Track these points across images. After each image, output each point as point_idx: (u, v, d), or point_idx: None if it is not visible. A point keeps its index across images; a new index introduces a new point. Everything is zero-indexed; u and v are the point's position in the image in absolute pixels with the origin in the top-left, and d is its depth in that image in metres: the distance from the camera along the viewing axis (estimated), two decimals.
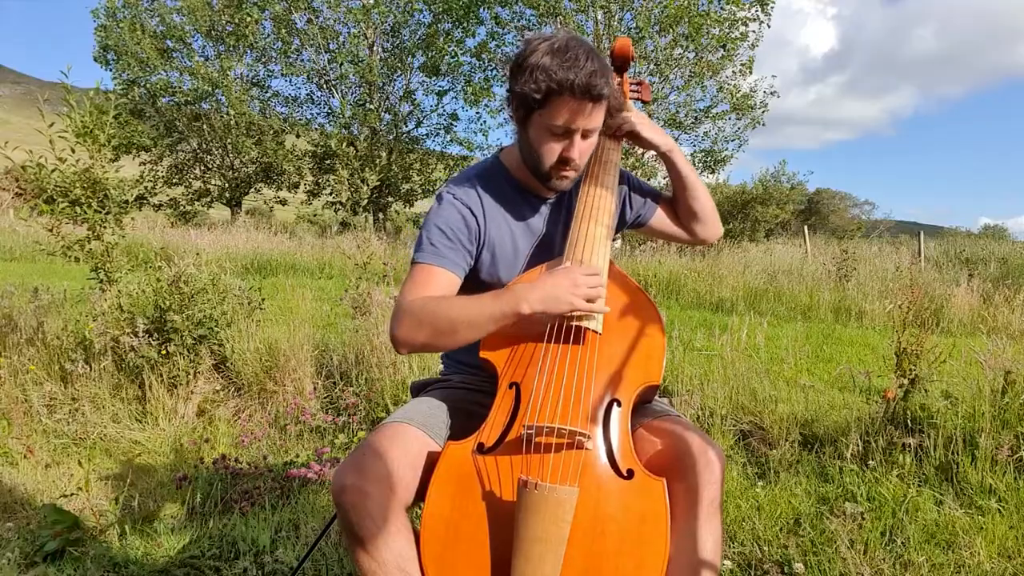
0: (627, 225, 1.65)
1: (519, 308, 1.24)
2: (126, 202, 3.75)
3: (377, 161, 19.66)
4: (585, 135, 1.34)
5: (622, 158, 1.57)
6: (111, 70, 19.27)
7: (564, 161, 1.35)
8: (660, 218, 1.64)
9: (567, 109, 1.29)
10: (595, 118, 1.33)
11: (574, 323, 1.30)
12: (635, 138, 1.50)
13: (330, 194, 20.48)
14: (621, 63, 1.62)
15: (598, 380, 1.28)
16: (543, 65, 1.26)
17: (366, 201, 18.92)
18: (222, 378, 3.63)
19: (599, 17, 15.63)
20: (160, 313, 3.46)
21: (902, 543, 2.08)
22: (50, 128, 3.49)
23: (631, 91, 1.65)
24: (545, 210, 1.51)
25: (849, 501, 2.36)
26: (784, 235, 20.02)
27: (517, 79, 1.31)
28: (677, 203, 1.60)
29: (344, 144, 19.06)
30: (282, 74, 20.33)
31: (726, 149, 17.57)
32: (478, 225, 1.43)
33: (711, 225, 1.61)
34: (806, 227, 14.28)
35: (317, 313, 5.07)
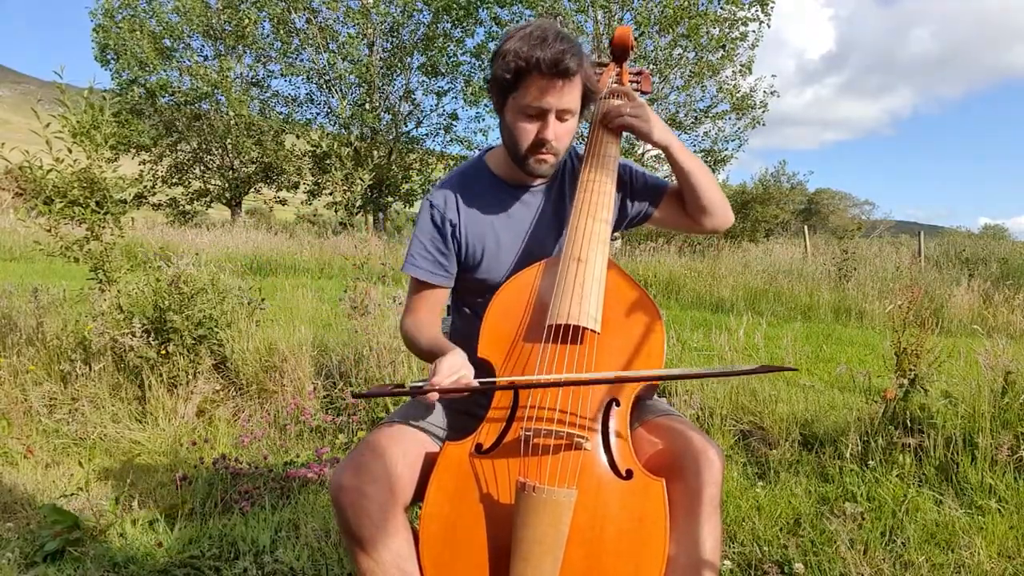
0: (630, 219, 1.61)
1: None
2: (124, 202, 3.74)
3: (369, 160, 19.66)
4: (560, 117, 1.35)
5: (625, 152, 1.56)
6: (111, 70, 19.28)
7: (539, 144, 1.36)
8: (666, 210, 1.60)
9: (536, 88, 1.30)
10: (568, 98, 1.33)
11: (564, 321, 1.29)
12: (633, 131, 1.48)
13: (329, 194, 20.49)
14: (620, 52, 1.59)
15: None
16: (513, 48, 1.29)
17: (360, 201, 18.88)
18: (222, 378, 3.63)
19: (599, 17, 15.63)
20: (160, 313, 3.46)
21: (902, 543, 2.08)
22: (47, 128, 3.49)
23: (631, 81, 1.63)
24: (529, 198, 1.52)
25: (849, 501, 2.36)
26: (784, 235, 19.99)
27: (493, 65, 1.36)
28: (683, 196, 1.55)
29: (337, 145, 19.04)
30: (282, 74, 20.35)
31: (726, 149, 17.60)
32: (452, 227, 1.48)
33: (719, 216, 1.55)
34: (806, 227, 14.27)
35: (317, 313, 5.07)
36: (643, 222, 1.64)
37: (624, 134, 1.55)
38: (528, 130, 1.35)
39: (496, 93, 1.38)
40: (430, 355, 1.39)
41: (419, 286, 1.52)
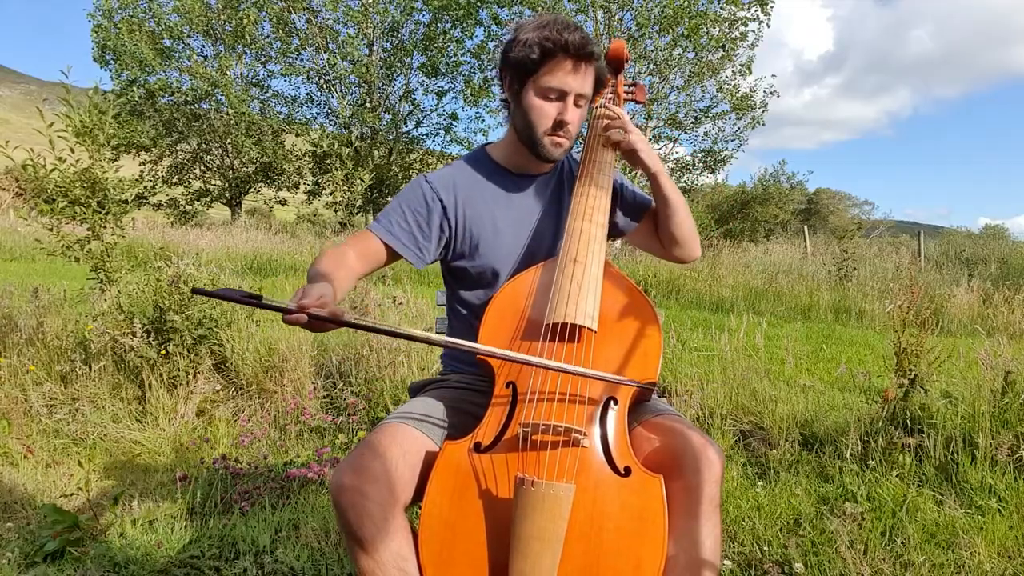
0: (614, 231, 1.63)
1: None
2: (125, 202, 3.75)
3: (369, 160, 19.62)
4: (576, 102, 1.41)
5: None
6: (110, 70, 19.27)
7: (559, 125, 1.40)
8: (642, 229, 1.64)
9: (561, 69, 1.36)
10: (586, 83, 1.40)
11: (561, 320, 1.30)
12: (626, 151, 1.48)
13: (329, 194, 20.49)
14: (616, 65, 1.63)
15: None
16: (538, 33, 1.35)
17: (360, 201, 18.88)
18: (222, 378, 3.63)
19: (599, 17, 15.64)
20: (160, 313, 3.46)
21: (902, 543, 2.08)
22: (50, 128, 3.49)
23: (625, 92, 1.66)
24: (530, 189, 1.54)
25: (849, 501, 2.36)
26: (784, 235, 20.00)
27: (511, 52, 1.38)
28: (659, 222, 1.58)
29: (337, 145, 19.03)
30: (282, 74, 20.35)
31: (726, 149, 17.61)
32: (443, 207, 1.48)
33: (688, 249, 1.58)
34: (806, 227, 14.27)
35: None
36: (620, 236, 1.67)
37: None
38: (548, 111, 1.39)
39: (514, 78, 1.41)
40: (311, 280, 1.26)
41: (373, 240, 1.44)
